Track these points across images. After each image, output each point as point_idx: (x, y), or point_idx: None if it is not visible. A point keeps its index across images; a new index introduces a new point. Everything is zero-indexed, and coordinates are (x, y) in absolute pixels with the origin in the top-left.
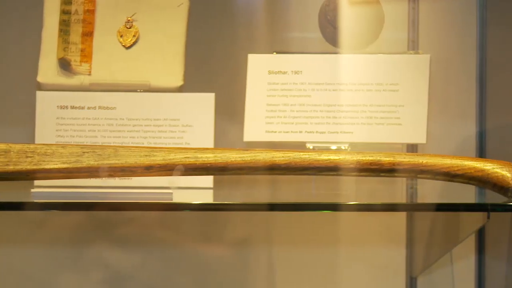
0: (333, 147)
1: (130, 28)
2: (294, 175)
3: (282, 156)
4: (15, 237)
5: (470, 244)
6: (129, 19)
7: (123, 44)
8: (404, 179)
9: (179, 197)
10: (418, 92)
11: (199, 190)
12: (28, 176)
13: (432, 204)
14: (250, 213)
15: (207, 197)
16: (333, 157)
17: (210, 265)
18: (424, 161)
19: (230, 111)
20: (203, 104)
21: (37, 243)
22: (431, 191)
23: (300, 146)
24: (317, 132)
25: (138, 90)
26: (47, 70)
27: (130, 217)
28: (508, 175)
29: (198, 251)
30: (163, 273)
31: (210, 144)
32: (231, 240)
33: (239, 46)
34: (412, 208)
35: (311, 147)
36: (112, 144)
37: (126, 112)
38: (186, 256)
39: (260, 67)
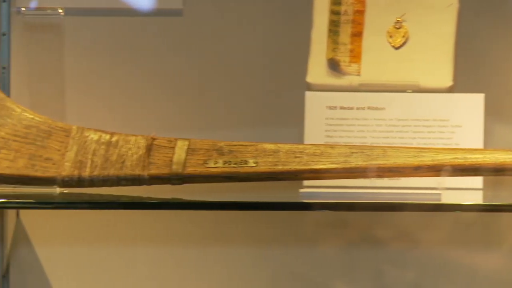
0: None
1: (399, 28)
2: None
3: None
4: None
5: None
6: (398, 19)
7: (392, 44)
8: None
9: (447, 198)
10: None
11: (467, 191)
12: (297, 176)
13: None
14: None
15: (477, 198)
16: None
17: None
18: None
19: (500, 112)
20: (472, 104)
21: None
22: None
23: None
24: None
25: (407, 91)
26: (317, 70)
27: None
28: None
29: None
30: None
31: (480, 145)
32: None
33: (509, 46)
34: None
35: None
36: (380, 145)
37: (395, 112)
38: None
39: None
